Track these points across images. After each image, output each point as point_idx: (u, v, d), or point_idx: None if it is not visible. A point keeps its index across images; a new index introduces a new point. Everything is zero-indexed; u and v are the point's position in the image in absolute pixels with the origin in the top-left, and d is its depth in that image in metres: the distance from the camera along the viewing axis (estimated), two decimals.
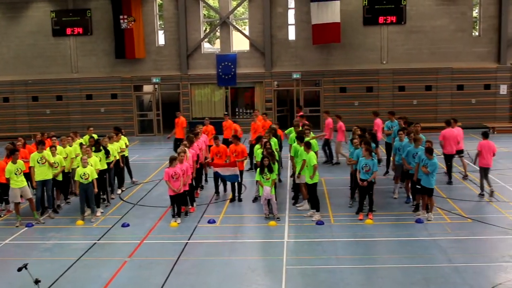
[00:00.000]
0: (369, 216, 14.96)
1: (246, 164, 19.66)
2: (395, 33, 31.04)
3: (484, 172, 16.80)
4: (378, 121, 21.02)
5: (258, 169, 15.50)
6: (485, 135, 17.11)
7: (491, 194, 16.70)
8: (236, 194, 17.38)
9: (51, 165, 16.10)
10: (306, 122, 20.42)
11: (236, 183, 17.32)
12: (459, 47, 30.87)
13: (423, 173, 14.69)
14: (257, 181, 15.90)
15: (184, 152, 15.79)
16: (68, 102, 32.72)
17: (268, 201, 15.26)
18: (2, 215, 16.52)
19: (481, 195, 16.98)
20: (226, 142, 22.44)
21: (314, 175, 14.96)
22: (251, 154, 20.15)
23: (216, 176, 17.47)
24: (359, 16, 30.98)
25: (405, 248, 12.99)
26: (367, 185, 14.86)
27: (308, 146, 15.21)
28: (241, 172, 17.46)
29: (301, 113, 23.07)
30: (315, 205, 15.27)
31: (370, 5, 30.75)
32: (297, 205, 16.38)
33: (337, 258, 12.49)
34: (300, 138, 16.18)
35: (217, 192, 17.93)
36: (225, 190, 18.30)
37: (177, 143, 22.54)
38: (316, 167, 14.99)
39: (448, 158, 18.62)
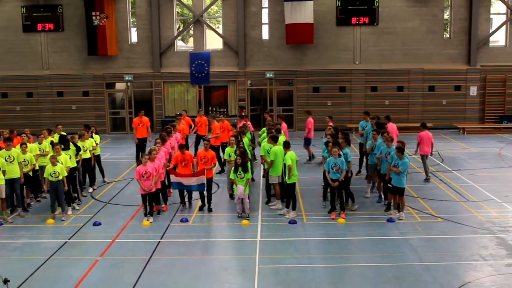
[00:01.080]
0: (341, 215, 15.06)
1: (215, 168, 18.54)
2: (368, 34, 31.29)
3: (424, 159, 19.01)
4: (310, 120, 22.00)
5: (232, 168, 15.49)
6: (424, 126, 19.20)
7: (426, 179, 18.94)
8: (206, 203, 16.15)
9: (20, 164, 15.84)
10: (248, 122, 21.16)
11: (204, 192, 16.05)
12: (430, 49, 31.26)
13: (394, 172, 14.84)
14: (230, 179, 15.89)
15: (156, 150, 15.68)
16: (39, 99, 32.22)
17: (242, 200, 15.26)
18: None
19: (427, 179, 18.98)
20: (200, 138, 22.46)
21: (290, 175, 15.06)
22: (219, 157, 19.88)
23: (179, 188, 16.07)
24: (332, 16, 31.15)
25: (376, 247, 13.12)
26: (338, 185, 14.96)
27: (286, 146, 15.39)
28: (210, 180, 16.16)
29: (242, 113, 23.07)
30: (292, 204, 15.38)
31: (343, 6, 30.93)
32: (269, 204, 16.41)
33: (310, 257, 12.55)
34: (274, 138, 16.27)
35: (183, 202, 16.41)
36: (190, 204, 16.43)
37: (143, 143, 22.38)
38: (291, 168, 15.07)
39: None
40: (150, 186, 15.00)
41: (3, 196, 15.42)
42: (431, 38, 31.19)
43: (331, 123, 19.73)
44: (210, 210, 16.02)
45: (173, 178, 15.83)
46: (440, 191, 17.84)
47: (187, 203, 16.38)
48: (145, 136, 22.54)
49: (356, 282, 11.23)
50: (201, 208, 16.08)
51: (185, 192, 16.29)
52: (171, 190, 17.38)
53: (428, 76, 31.14)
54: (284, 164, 15.50)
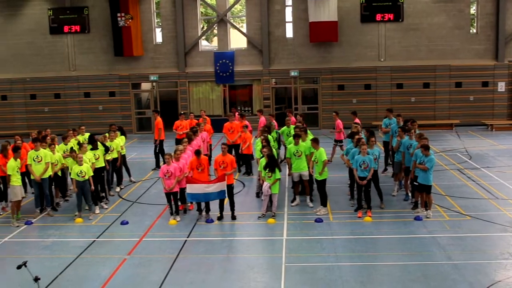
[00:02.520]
0: (368, 213, 14.98)
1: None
2: (393, 30, 31.03)
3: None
4: (339, 121, 21.52)
5: (261, 160, 15.51)
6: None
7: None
8: (226, 212, 15.33)
9: (49, 164, 16.07)
10: (274, 121, 21.12)
11: (225, 200, 15.25)
12: (456, 45, 30.86)
13: (420, 170, 14.69)
14: (259, 175, 15.87)
15: (181, 150, 15.75)
16: (66, 100, 32.66)
17: (269, 197, 15.25)
18: (1, 213, 16.45)
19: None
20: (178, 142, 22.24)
21: (323, 171, 15.15)
22: (238, 159, 19.88)
23: (195, 201, 15.18)
24: (357, 13, 30.95)
25: (404, 245, 13.00)
26: (366, 183, 14.89)
27: (316, 142, 15.42)
28: (231, 186, 15.27)
29: (236, 112, 23.14)
30: (323, 200, 15.40)
31: (368, 3, 30.71)
32: (310, 205, 16.25)
33: (336, 255, 12.49)
34: (296, 135, 16.23)
35: (199, 210, 15.62)
36: (207, 210, 15.38)
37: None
38: (326, 163, 15.18)
39: None
40: (172, 186, 15.06)
41: (19, 198, 15.59)
42: (458, 33, 30.79)
43: (357, 120, 19.59)
44: (234, 217, 15.24)
45: (189, 189, 14.90)
46: (468, 189, 17.61)
47: (203, 212, 15.49)
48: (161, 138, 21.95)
49: (383, 280, 11.15)
50: (219, 219, 15.21)
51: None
52: (192, 204, 16.05)
53: (454, 72, 30.73)
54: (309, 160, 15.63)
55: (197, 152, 15.55)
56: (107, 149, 17.38)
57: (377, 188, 15.54)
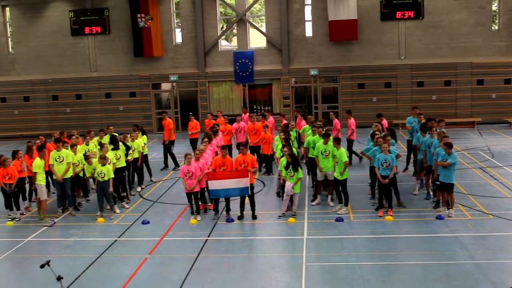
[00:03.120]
0: (389, 212, 14.89)
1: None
2: (413, 28, 30.78)
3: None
4: (352, 121, 20.96)
5: (282, 159, 15.46)
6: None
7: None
8: (245, 211, 15.30)
9: (70, 164, 16.24)
10: (267, 122, 20.96)
11: (246, 198, 15.25)
12: (478, 42, 30.51)
13: (442, 169, 14.54)
14: (279, 174, 15.84)
15: (201, 150, 15.81)
16: (87, 100, 33.01)
17: (290, 197, 15.23)
18: (24, 213, 16.65)
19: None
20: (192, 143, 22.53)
21: (344, 172, 15.09)
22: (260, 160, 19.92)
23: (216, 197, 15.26)
24: (377, 11, 30.77)
25: (425, 244, 12.90)
26: (388, 182, 14.80)
27: (337, 141, 15.38)
28: (251, 186, 15.14)
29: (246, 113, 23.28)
30: (345, 200, 15.36)
31: (387, 1, 30.51)
32: (331, 205, 16.22)
33: (357, 254, 12.44)
34: (326, 134, 16.09)
35: (216, 210, 15.61)
36: (227, 210, 15.42)
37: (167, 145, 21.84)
38: (347, 164, 15.16)
39: None
40: (193, 186, 15.12)
41: (45, 197, 15.84)
42: (479, 30, 30.44)
43: (384, 121, 19.12)
44: (254, 217, 15.20)
45: (211, 185, 14.94)
46: (491, 188, 17.40)
47: (219, 213, 15.52)
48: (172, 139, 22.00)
49: (405, 280, 11.07)
50: (240, 218, 15.23)
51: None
52: (212, 203, 15.91)
53: (476, 69, 30.39)
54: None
55: (224, 147, 15.77)
56: (128, 149, 17.52)
57: (394, 187, 15.42)
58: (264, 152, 20.05)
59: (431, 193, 16.16)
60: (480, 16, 30.40)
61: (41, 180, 15.72)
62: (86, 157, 16.53)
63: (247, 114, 23.00)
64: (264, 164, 20.44)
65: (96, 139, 18.98)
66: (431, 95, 30.65)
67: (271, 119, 22.25)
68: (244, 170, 14.94)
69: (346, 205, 15.39)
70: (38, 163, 15.75)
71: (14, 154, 16.43)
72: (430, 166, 15.70)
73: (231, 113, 30.66)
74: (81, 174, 17.04)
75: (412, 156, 18.69)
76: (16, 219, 16.05)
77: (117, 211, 16.25)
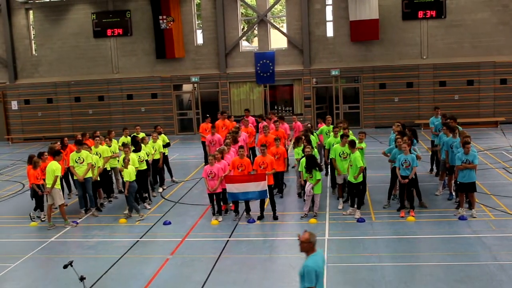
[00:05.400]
0: (410, 213, 14.78)
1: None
2: (435, 27, 30.52)
3: None
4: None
5: (302, 160, 15.34)
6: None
7: None
8: (266, 212, 15.28)
9: (90, 165, 16.39)
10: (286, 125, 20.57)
11: (266, 200, 15.27)
12: (501, 41, 30.14)
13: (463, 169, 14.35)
14: (299, 174, 15.75)
15: (221, 151, 15.84)
16: (110, 102, 33.31)
17: (311, 198, 15.20)
18: (42, 219, 16.67)
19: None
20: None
21: (358, 176, 14.93)
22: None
23: (234, 200, 15.25)
24: (398, 11, 30.57)
25: (448, 245, 12.79)
26: (408, 182, 14.69)
27: (352, 145, 15.10)
28: (270, 187, 15.13)
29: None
30: (358, 203, 15.19)
31: (409, 0, 30.32)
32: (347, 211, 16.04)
33: (379, 255, 12.38)
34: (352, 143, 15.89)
35: (236, 211, 15.71)
36: (247, 211, 15.46)
37: None
38: (362, 169, 14.97)
39: None
40: (215, 186, 15.17)
41: (62, 201, 15.91)
42: (502, 29, 30.07)
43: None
44: (275, 218, 15.20)
45: (229, 188, 14.96)
46: None
47: (239, 214, 15.58)
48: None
49: (427, 281, 11.00)
50: (260, 218, 15.24)
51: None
52: (233, 204, 15.83)
53: (499, 69, 30.01)
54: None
55: (241, 147, 15.77)
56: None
57: (416, 187, 15.28)
58: (278, 168, 16.30)
59: (453, 193, 16.00)
60: (503, 15, 30.03)
61: (58, 184, 15.80)
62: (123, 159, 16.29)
63: (249, 116, 22.36)
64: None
65: (121, 139, 19.18)
66: (453, 95, 30.35)
67: (285, 125, 20.48)
68: (261, 174, 14.93)
69: (359, 208, 15.18)
70: (72, 157, 16.15)
71: (40, 156, 16.62)
72: (452, 166, 15.54)
73: (252, 113, 30.62)
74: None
75: (435, 156, 18.54)
76: (42, 219, 16.26)
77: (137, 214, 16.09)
